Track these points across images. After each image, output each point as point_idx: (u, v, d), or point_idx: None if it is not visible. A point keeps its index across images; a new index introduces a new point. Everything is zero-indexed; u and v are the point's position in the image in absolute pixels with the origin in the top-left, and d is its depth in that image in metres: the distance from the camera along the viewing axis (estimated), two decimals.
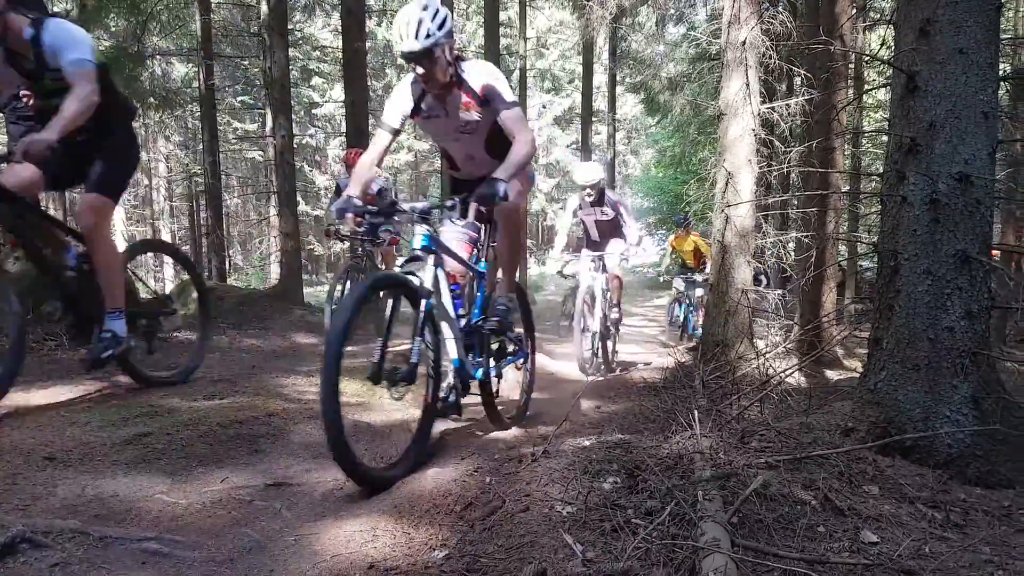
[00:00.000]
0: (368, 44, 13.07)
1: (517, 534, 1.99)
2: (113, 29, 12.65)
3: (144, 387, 3.95)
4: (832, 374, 6.15)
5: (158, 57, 15.77)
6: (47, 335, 4.97)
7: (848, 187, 8.67)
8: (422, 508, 2.34)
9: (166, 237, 27.20)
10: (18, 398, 3.67)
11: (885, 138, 3.07)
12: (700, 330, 10.22)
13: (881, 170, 3.13)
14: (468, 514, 2.21)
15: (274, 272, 17.25)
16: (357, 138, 10.42)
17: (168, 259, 22.67)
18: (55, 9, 12.73)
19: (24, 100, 4.82)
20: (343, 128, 22.69)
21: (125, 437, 2.88)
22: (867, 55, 8.33)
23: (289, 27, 13.04)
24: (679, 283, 10.59)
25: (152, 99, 12.56)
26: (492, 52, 13.77)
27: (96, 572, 1.89)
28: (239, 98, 24.02)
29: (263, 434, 3.17)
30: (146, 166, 27.37)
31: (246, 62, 19.45)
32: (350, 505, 2.54)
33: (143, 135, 25.56)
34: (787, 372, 3.65)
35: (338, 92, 26.16)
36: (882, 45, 6.10)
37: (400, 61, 27.33)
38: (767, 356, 4.16)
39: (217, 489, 2.57)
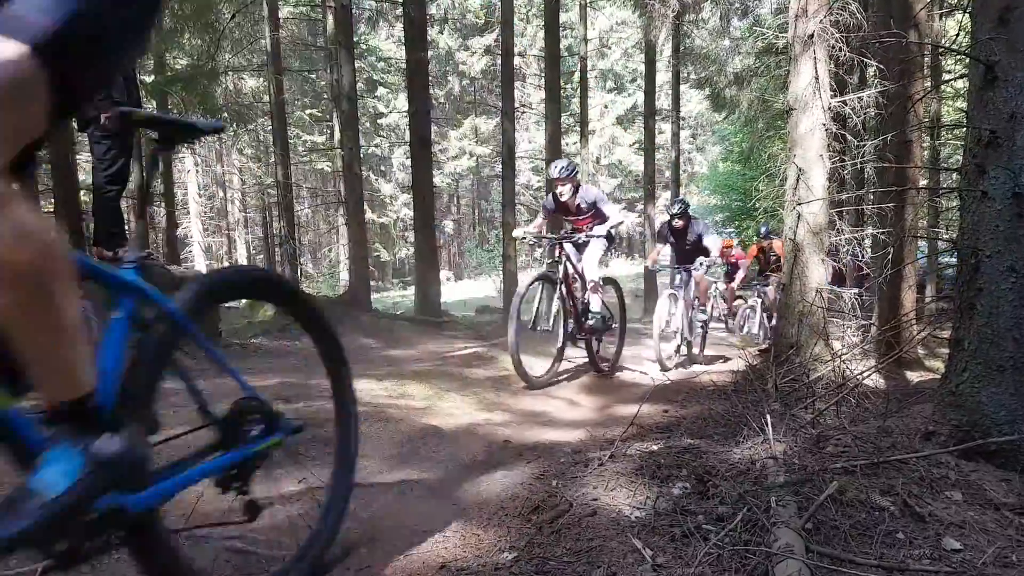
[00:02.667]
0: (429, 53, 13.28)
1: (585, 538, 2.00)
2: (188, 48, 13.23)
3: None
4: (912, 375, 5.91)
5: (230, 73, 16.39)
6: None
7: (927, 181, 8.32)
8: (490, 510, 2.36)
9: (240, 247, 28.22)
10: None
11: (964, 130, 2.94)
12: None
13: (960, 163, 3.00)
14: (535, 517, 2.23)
15: (343, 279, 17.72)
16: (420, 147, 10.61)
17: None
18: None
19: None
20: (407, 137, 23.13)
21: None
22: (942, 45, 7.97)
23: (354, 39, 13.36)
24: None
25: (226, 114, 13.07)
26: (552, 55, 13.78)
27: None
28: (308, 111, 24.75)
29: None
30: (220, 179, 28.51)
31: (313, 75, 20.03)
32: (420, 506, 2.59)
33: (218, 149, 26.65)
34: (865, 374, 3.53)
35: (402, 102, 26.64)
36: (959, 32, 5.86)
37: (462, 68, 27.71)
38: (843, 358, 4.03)
39: (295, 490, 2.66)
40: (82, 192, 9.36)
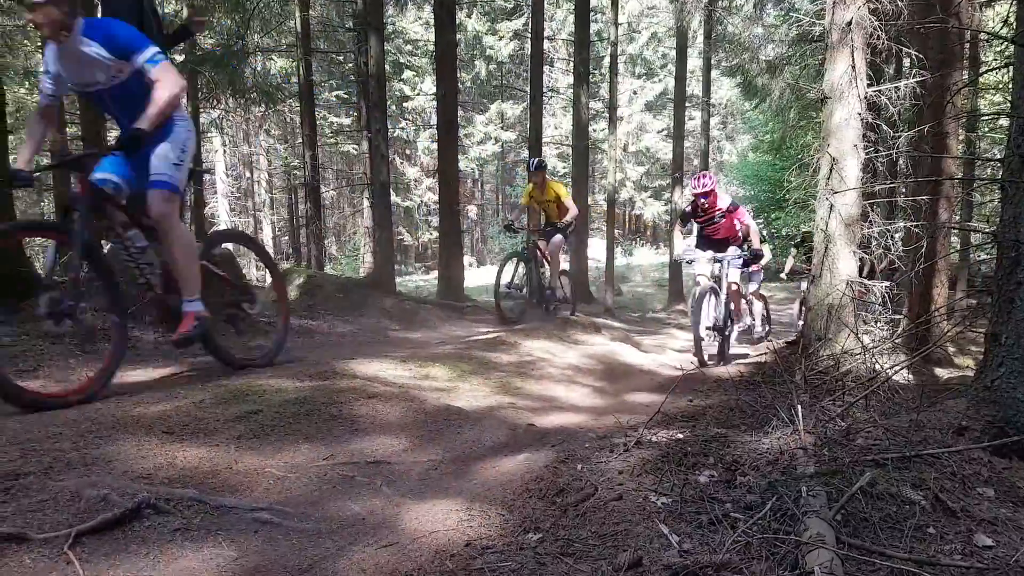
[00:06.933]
0: (457, 37, 13.21)
1: (611, 522, 2.00)
2: (218, 28, 13.27)
3: (231, 369, 4.14)
4: (942, 372, 5.83)
5: (259, 54, 16.43)
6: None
7: (962, 173, 8.15)
8: (515, 491, 2.37)
9: (267, 228, 28.45)
10: (139, 375, 3.97)
11: (1004, 121, 2.87)
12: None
13: (999, 155, 2.93)
14: (560, 500, 2.23)
15: (367, 261, 17.86)
16: (447, 131, 10.59)
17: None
18: (164, 10, 13.46)
19: None
20: (433, 120, 23.07)
21: (237, 414, 3.05)
22: (986, 33, 7.78)
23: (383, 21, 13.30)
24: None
25: (255, 95, 13.09)
26: (582, 39, 13.66)
27: (213, 538, 2.02)
28: (334, 93, 24.79)
29: (363, 415, 3.29)
30: (247, 160, 28.72)
31: (340, 57, 20.04)
32: (446, 485, 2.61)
33: (245, 129, 26.82)
34: (896, 368, 3.47)
35: (428, 85, 26.62)
36: (1004, 24, 5.70)
37: (489, 53, 27.53)
38: (873, 351, 3.98)
39: (322, 464, 2.70)
40: None
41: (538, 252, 8.53)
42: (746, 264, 7.33)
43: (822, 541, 1.58)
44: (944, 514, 1.99)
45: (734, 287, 6.89)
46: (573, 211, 8.40)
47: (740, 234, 7.09)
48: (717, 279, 6.68)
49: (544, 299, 8.63)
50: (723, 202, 6.85)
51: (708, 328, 6.40)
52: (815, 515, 1.74)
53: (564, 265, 8.88)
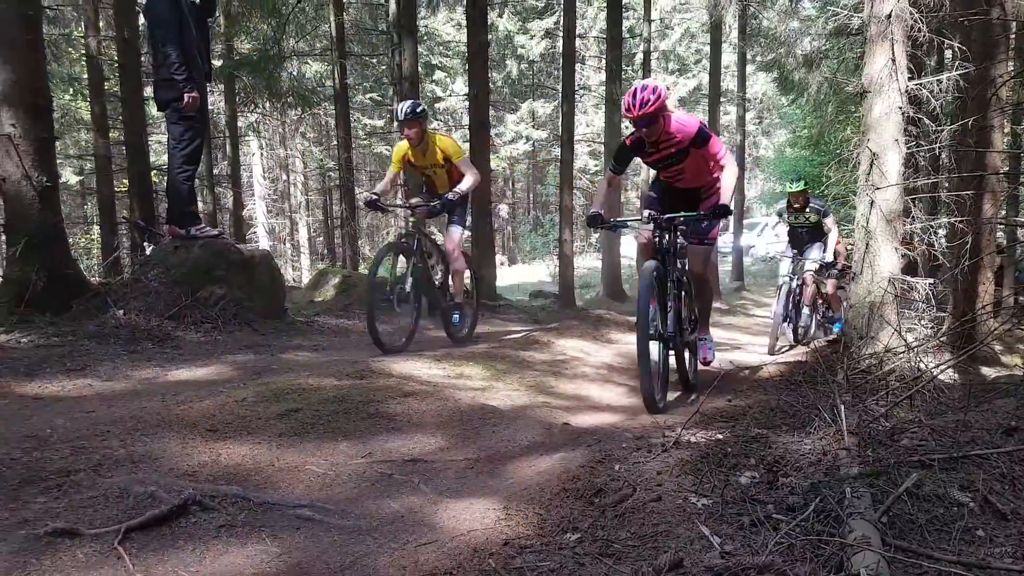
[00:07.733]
0: (489, 37, 13.25)
1: (650, 523, 1.99)
2: (254, 33, 13.50)
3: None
4: (989, 371, 5.67)
5: (295, 58, 16.64)
6: (203, 318, 5.42)
7: (1008, 168, 7.93)
8: (552, 491, 2.37)
9: (303, 229, 28.80)
10: (182, 374, 4.05)
11: None
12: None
13: None
14: (598, 500, 2.23)
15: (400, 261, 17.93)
16: (479, 130, 10.61)
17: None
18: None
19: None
20: (464, 121, 23.15)
21: (278, 412, 3.10)
22: None
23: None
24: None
25: (291, 98, 13.27)
26: (614, 36, 13.59)
27: (257, 534, 2.06)
28: (368, 95, 25.01)
29: (399, 413, 3.32)
30: (284, 163, 29.13)
31: (374, 60, 20.21)
32: (482, 484, 2.62)
33: (281, 133, 27.21)
34: (941, 367, 3.39)
35: (459, 86, 26.70)
36: None
37: (520, 52, 27.57)
38: (917, 350, 3.89)
39: (361, 462, 2.73)
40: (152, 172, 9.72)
41: (425, 242, 5.97)
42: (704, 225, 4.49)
43: (868, 543, 1.56)
44: (993, 516, 1.95)
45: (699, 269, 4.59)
46: (472, 177, 5.74)
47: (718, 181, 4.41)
48: (662, 256, 4.24)
49: (442, 313, 6.18)
50: (685, 128, 4.29)
51: (651, 336, 3.94)
52: (860, 517, 1.71)
53: (464, 264, 6.24)
